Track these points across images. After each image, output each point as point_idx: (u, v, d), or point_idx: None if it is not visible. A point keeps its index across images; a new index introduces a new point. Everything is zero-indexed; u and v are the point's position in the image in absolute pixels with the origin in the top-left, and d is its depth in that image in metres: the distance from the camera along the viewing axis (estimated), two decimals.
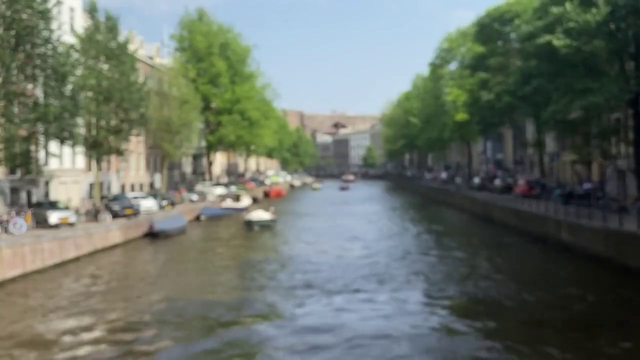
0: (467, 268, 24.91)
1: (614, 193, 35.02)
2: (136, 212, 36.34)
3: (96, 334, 16.17)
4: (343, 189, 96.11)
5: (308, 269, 24.84)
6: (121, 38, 37.93)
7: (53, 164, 37.06)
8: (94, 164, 39.00)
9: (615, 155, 35.13)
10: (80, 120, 33.04)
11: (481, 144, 76.73)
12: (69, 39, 35.60)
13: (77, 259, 27.57)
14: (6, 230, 26.03)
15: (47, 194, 36.80)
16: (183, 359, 14.28)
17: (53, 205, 31.20)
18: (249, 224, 39.35)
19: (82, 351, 14.69)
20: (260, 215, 40.53)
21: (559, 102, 30.93)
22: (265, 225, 39.46)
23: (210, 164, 69.06)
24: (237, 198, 55.60)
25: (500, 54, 51.47)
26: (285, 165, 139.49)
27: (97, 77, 35.34)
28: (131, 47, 40.52)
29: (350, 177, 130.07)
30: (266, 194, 76.56)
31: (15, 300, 20.22)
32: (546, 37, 29.83)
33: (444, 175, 77.82)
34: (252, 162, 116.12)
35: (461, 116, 56.19)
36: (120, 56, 36.74)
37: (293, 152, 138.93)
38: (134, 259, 29.46)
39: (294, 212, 54.58)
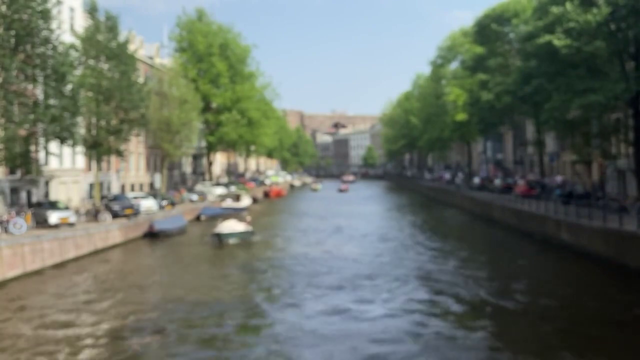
0: (466, 268, 24.86)
1: (614, 193, 35.01)
2: (136, 212, 36.33)
3: (95, 334, 16.13)
4: (341, 190, 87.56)
5: (307, 271, 24.91)
6: (121, 38, 37.92)
7: (53, 164, 37.12)
8: (93, 164, 39.02)
9: (615, 155, 35.14)
10: (80, 120, 33.04)
11: (481, 144, 76.76)
12: (69, 38, 35.62)
13: (77, 259, 27.59)
14: (6, 230, 26.02)
15: (47, 194, 36.81)
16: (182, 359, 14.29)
17: (53, 205, 31.18)
18: (219, 238, 32.53)
19: (81, 351, 14.70)
20: (232, 226, 33.45)
21: (557, 100, 30.92)
22: (240, 239, 33.16)
23: (210, 164, 69.04)
24: (237, 198, 55.58)
25: (499, 55, 51.49)
26: (285, 165, 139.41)
27: (97, 77, 35.35)
28: (131, 47, 40.49)
29: (350, 177, 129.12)
30: (266, 194, 76.48)
31: (15, 300, 20.19)
32: (546, 37, 29.82)
33: (447, 175, 77.58)
34: (252, 162, 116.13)
35: (461, 116, 56.26)
36: (120, 56, 36.71)
37: (293, 152, 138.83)
38: (134, 259, 29.42)
39: (294, 212, 54.70)
